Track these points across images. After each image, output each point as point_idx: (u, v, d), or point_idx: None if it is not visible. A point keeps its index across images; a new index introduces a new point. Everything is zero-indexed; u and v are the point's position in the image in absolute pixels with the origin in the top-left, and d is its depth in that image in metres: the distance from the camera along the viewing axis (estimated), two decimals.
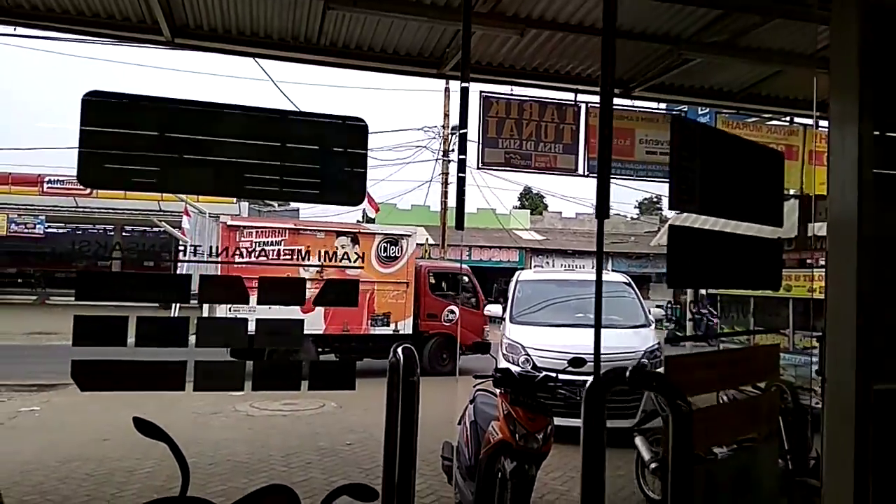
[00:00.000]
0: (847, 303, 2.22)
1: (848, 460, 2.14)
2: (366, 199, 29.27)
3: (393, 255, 14.38)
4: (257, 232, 13.72)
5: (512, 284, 11.02)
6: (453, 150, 23.19)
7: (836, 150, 2.25)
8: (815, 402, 5.70)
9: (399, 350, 2.38)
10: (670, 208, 2.03)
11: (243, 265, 12.99)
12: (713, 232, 2.07)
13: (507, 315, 10.37)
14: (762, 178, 2.13)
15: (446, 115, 23.42)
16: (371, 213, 26.90)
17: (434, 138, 23.70)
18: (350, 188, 1.96)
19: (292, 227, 14.14)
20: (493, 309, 11.53)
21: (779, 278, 2.22)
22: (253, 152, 1.87)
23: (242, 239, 13.44)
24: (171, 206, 21.93)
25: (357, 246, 13.89)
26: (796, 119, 8.95)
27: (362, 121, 1.96)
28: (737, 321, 11.35)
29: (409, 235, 14.94)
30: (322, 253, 13.11)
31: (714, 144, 2.01)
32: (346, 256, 13.30)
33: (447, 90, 23.40)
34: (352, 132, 1.94)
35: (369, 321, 13.78)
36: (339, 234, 13.90)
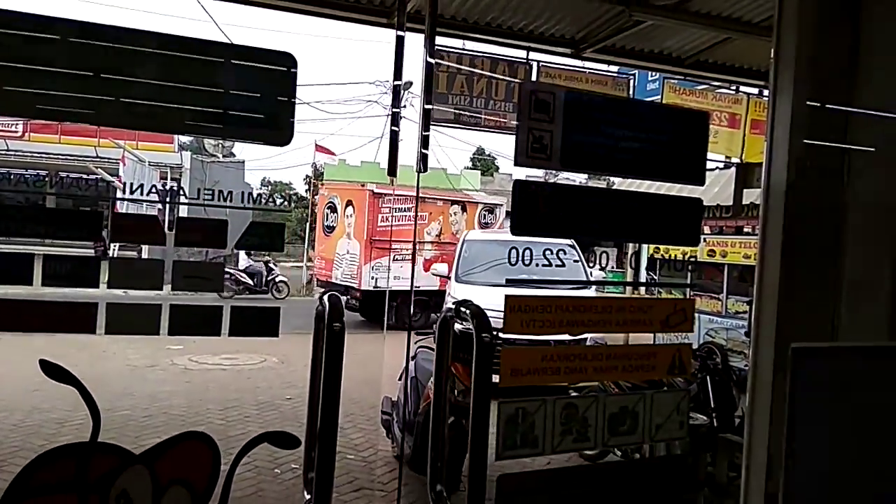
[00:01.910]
0: (773, 267, 2.28)
1: (765, 415, 2.23)
2: (315, 150, 28.63)
3: (489, 222, 17.46)
4: (394, 199, 16.39)
5: (459, 244, 11.06)
6: (405, 107, 22.86)
7: (771, 119, 2.28)
8: (745, 363, 5.95)
9: (325, 298, 2.34)
10: (515, 164, 2.11)
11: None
12: (568, 185, 2.19)
13: (453, 274, 10.43)
14: (671, 138, 2.19)
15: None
16: (322, 163, 26.39)
17: (386, 93, 23.27)
18: (276, 126, 1.88)
19: (421, 196, 16.84)
20: (440, 268, 11.58)
21: (680, 236, 2.29)
22: (168, 84, 1.76)
23: (383, 205, 16.18)
24: (109, 152, 21.04)
25: (465, 213, 17.32)
26: (742, 88, 9.11)
27: (290, 56, 1.87)
28: (672, 284, 11.67)
29: (501, 205, 17.85)
30: (440, 219, 16.31)
31: (581, 105, 2.11)
32: (455, 222, 16.71)
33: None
34: (278, 67, 1.85)
35: None
36: (452, 202, 17.23)
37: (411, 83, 23.36)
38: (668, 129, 2.22)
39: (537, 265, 2.73)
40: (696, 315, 11.17)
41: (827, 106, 3.63)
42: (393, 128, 2.22)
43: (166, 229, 2.06)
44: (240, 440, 2.00)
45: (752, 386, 2.35)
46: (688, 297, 11.44)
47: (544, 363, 2.12)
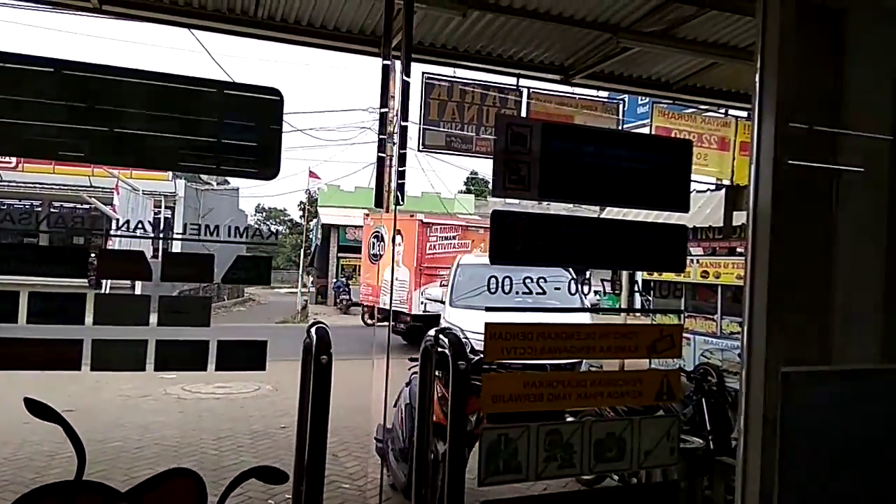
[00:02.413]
0: (761, 290, 2.30)
1: (757, 439, 2.23)
2: (308, 176, 28.76)
3: None
4: (441, 228, 17.51)
5: (453, 268, 11.06)
6: (396, 133, 23.01)
7: (755, 141, 2.31)
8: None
9: (312, 330, 2.33)
10: (493, 195, 2.15)
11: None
12: (546, 214, 2.22)
13: (447, 298, 10.41)
14: (652, 167, 2.23)
15: (392, 97, 23.13)
16: (314, 189, 26.50)
17: (378, 120, 23.41)
18: (264, 160, 1.89)
19: (464, 224, 18.29)
20: (434, 292, 11.57)
21: (664, 262, 2.31)
22: (156, 121, 1.78)
23: (431, 234, 16.97)
24: (103, 182, 21.08)
25: None
26: (731, 112, 9.21)
27: (277, 91, 1.89)
28: (668, 306, 11.69)
29: None
30: (482, 245, 16.41)
31: (559, 136, 2.16)
32: None
33: (392, 72, 23.14)
34: (265, 103, 1.87)
35: None
36: None
37: None
38: (650, 158, 2.25)
39: (531, 291, 2.74)
40: (692, 336, 11.18)
41: (810, 127, 3.68)
42: (380, 154, 2.23)
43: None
44: (233, 470, 1.99)
45: (744, 410, 2.34)
46: (681, 321, 11.49)
47: (526, 389, 2.12)
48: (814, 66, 3.84)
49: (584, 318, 9.10)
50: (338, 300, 28.20)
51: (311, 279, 34.01)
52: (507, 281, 2.53)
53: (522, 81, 7.80)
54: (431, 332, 2.88)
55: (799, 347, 2.73)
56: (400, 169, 2.31)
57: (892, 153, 4.05)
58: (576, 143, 2.18)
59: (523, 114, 7.77)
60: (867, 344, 3.83)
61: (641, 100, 12.67)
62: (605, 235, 2.25)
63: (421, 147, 7.44)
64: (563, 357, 2.16)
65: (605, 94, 8.72)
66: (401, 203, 2.44)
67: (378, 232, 20.50)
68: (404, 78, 2.34)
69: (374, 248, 21.45)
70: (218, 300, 27.50)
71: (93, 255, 1.87)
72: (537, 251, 2.15)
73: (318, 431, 2.18)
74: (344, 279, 29.59)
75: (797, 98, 2.71)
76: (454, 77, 7.61)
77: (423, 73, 7.42)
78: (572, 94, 8.15)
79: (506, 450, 2.05)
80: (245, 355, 1.97)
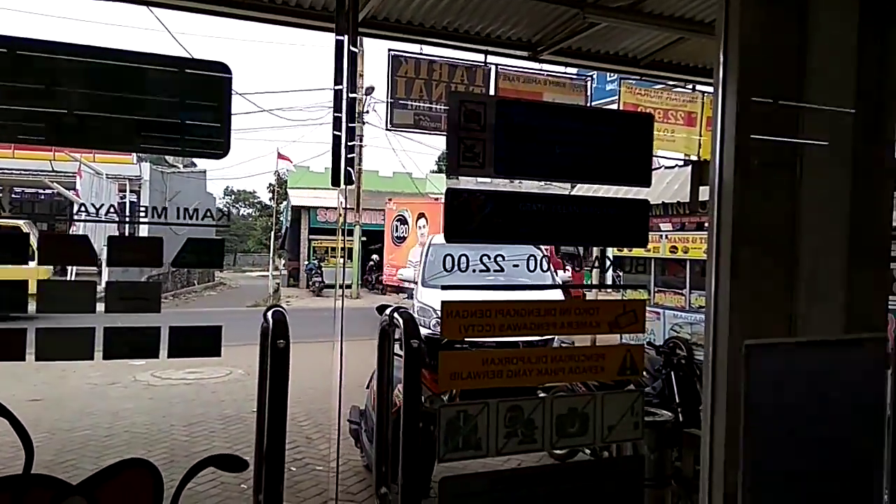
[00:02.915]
0: (724, 264, 2.30)
1: (722, 411, 2.25)
2: (277, 157, 28.28)
3: None
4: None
5: (424, 248, 11.02)
6: (368, 112, 22.78)
7: (717, 116, 2.30)
8: None
9: (269, 314, 2.29)
10: (447, 174, 2.12)
11: None
12: (502, 191, 2.19)
13: (419, 278, 10.39)
14: (612, 141, 2.21)
15: (360, 75, 22.88)
16: (283, 171, 26.19)
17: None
18: (212, 139, 1.82)
19: None
20: (406, 273, 11.53)
21: (625, 237, 2.31)
22: (93, 98, 1.69)
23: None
24: (65, 166, 20.54)
25: None
26: (698, 87, 9.25)
27: (225, 66, 1.81)
28: (638, 281, 11.82)
29: None
30: None
31: (514, 112, 2.12)
32: None
33: (361, 50, 22.83)
34: (212, 78, 1.80)
35: None
36: None
37: (373, 88, 23.37)
38: (609, 133, 2.23)
39: (503, 269, 2.71)
40: (662, 310, 11.33)
41: (773, 102, 3.70)
42: (335, 132, 2.17)
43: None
44: (205, 455, 1.95)
45: (710, 383, 2.36)
46: (645, 296, 11.64)
47: (485, 367, 2.11)
48: (777, 40, 3.85)
49: (557, 294, 9.15)
50: (310, 283, 28.00)
51: (283, 262, 33.72)
52: (483, 258, 2.50)
53: (491, 58, 7.73)
54: (387, 311, 2.86)
55: (763, 320, 2.75)
56: (350, 144, 2.26)
57: (856, 127, 4.10)
58: (532, 119, 2.15)
59: (492, 91, 7.71)
60: (832, 315, 3.91)
61: (610, 76, 12.68)
62: (565, 212, 2.23)
63: (389, 126, 7.35)
64: (523, 334, 2.14)
65: (574, 70, 8.69)
66: (352, 182, 2.39)
67: (401, 215, 21.17)
68: (351, 48, 2.28)
69: (397, 231, 22.29)
70: (188, 284, 27.15)
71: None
72: (493, 228, 2.12)
73: (276, 417, 2.14)
74: (316, 261, 29.36)
75: (760, 73, 2.71)
76: (421, 54, 7.50)
77: (389, 49, 7.30)
78: (541, 70, 8.10)
79: (465, 426, 2.04)
80: (199, 342, 1.91)
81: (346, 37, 2.23)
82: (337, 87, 2.22)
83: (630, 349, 2.27)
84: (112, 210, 2.28)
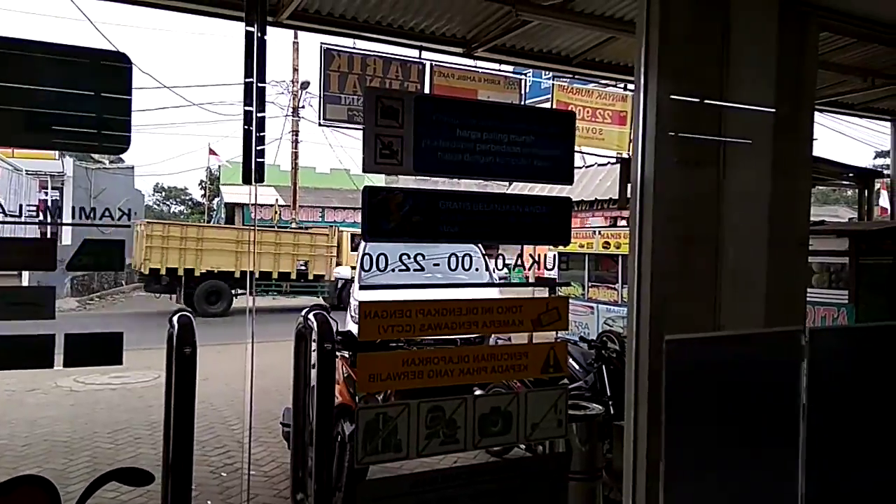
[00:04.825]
0: (646, 260, 2.34)
1: (644, 404, 2.28)
2: (209, 153, 27.49)
3: None
4: None
5: (362, 246, 10.90)
6: (303, 107, 22.41)
7: (639, 113, 2.33)
8: None
9: (175, 319, 2.20)
10: (363, 171, 2.10)
11: None
12: (422, 190, 2.18)
13: (356, 277, 10.27)
14: (533, 139, 2.21)
15: (295, 70, 22.47)
16: (215, 167, 25.45)
17: (282, 93, 22.70)
18: (110, 133, 1.71)
19: None
20: (342, 271, 11.38)
21: (548, 234, 2.31)
22: None
23: None
24: None
25: None
26: (630, 87, 9.46)
27: (124, 56, 1.71)
28: (573, 276, 12.03)
29: None
30: None
31: (432, 109, 2.10)
32: None
33: (295, 43, 22.45)
34: (111, 69, 1.69)
35: None
36: None
37: (308, 83, 22.99)
38: (530, 131, 2.22)
39: (440, 268, 2.68)
40: (595, 305, 11.56)
41: (696, 100, 3.79)
42: (246, 127, 2.08)
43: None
44: (130, 464, 1.85)
45: (633, 377, 2.39)
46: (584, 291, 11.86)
47: (405, 367, 2.08)
48: (699, 40, 3.95)
49: (493, 293, 9.19)
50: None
51: None
52: (417, 259, 2.46)
53: (426, 54, 7.70)
54: (354, 307, 2.80)
55: (684, 315, 2.82)
56: (260, 134, 2.18)
57: (776, 124, 4.26)
58: (451, 116, 2.12)
59: (426, 87, 7.67)
60: (754, 307, 4.04)
61: (545, 75, 12.83)
62: (487, 209, 2.21)
63: (322, 121, 7.22)
64: (444, 333, 2.12)
65: (509, 67, 8.75)
66: (261, 180, 2.31)
67: None
68: (259, 35, 2.20)
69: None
70: (115, 285, 26.12)
71: None
72: (413, 227, 2.09)
73: (182, 427, 2.05)
74: None
75: (681, 71, 2.77)
76: (354, 48, 7.40)
77: (322, 44, 7.17)
78: (476, 67, 8.12)
79: (384, 428, 2.01)
80: (98, 349, 1.80)
81: (256, 27, 2.15)
82: (247, 80, 2.13)
83: (553, 346, 2.28)
84: (34, 209, 2.13)
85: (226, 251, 18.29)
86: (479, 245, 10.89)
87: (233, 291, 18.02)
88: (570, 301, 9.84)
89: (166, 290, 19.04)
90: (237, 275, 18.07)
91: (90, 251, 1.77)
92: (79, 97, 1.69)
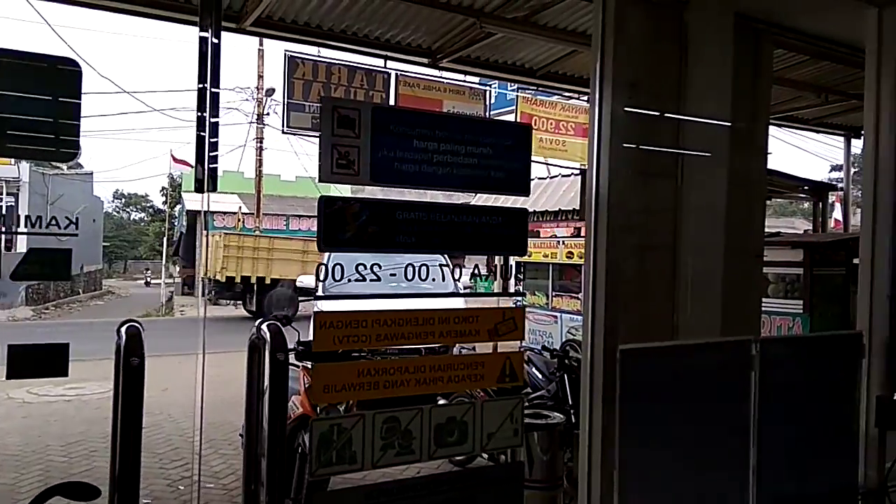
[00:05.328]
0: (600, 270, 2.37)
1: (598, 413, 2.31)
2: (172, 161, 27.13)
3: None
4: None
5: (325, 255, 10.82)
6: (268, 114, 22.22)
7: (594, 125, 2.38)
8: None
9: (122, 329, 2.15)
10: (319, 181, 2.11)
11: None
12: (378, 199, 2.20)
13: (319, 285, 10.20)
14: (490, 151, 2.24)
15: (260, 77, 22.28)
16: (177, 174, 25.00)
17: (247, 100, 22.49)
18: (58, 140, 1.67)
19: None
20: (306, 280, 11.29)
21: (504, 245, 2.34)
22: None
23: None
24: None
25: None
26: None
27: (73, 62, 1.67)
28: (538, 286, 12.12)
29: None
30: None
31: (390, 120, 2.12)
32: None
33: (261, 50, 22.28)
34: (59, 74, 1.66)
35: None
36: None
37: (273, 90, 22.80)
38: (487, 142, 2.24)
39: (403, 278, 2.68)
40: (559, 314, 11.65)
41: (649, 112, 3.87)
42: (199, 133, 2.06)
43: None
44: (84, 477, 1.79)
45: (588, 386, 2.42)
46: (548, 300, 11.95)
47: (361, 378, 2.07)
48: (656, 54, 4.04)
49: (457, 302, 9.19)
50: (206, 291, 26.89)
51: (178, 269, 32.24)
52: (378, 269, 2.45)
53: (391, 64, 7.71)
54: (256, 324, 2.76)
55: (640, 325, 2.86)
56: (213, 140, 2.16)
57: (732, 137, 4.37)
58: (408, 127, 2.13)
59: (391, 96, 7.69)
60: (709, 317, 4.13)
61: (510, 87, 12.95)
62: (444, 220, 2.23)
63: (285, 129, 7.17)
64: (400, 344, 2.12)
65: (475, 79, 8.81)
66: (214, 188, 2.29)
67: None
68: (213, 40, 2.18)
69: None
70: (72, 293, 25.47)
71: None
72: (369, 237, 2.10)
73: (129, 441, 2.00)
74: None
75: (638, 84, 2.82)
76: (320, 57, 7.37)
77: (286, 51, 7.13)
78: (441, 78, 8.16)
79: (339, 439, 1.99)
80: (43, 360, 1.74)
81: (210, 32, 2.13)
82: (201, 86, 2.11)
83: (510, 356, 2.29)
84: None
85: (293, 260, 19.57)
86: (446, 255, 10.90)
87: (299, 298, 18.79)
88: (535, 311, 9.98)
89: (238, 297, 20.76)
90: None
91: (35, 260, 1.72)
92: (25, 103, 1.64)
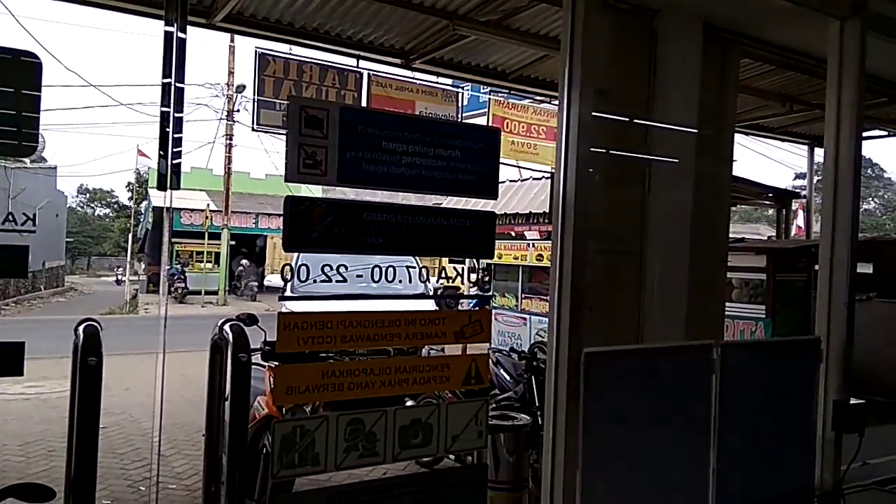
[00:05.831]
0: (566, 274, 2.40)
1: (562, 413, 2.33)
2: (138, 154, 26.66)
3: None
4: None
5: (294, 254, 10.74)
6: (238, 111, 21.97)
7: (562, 129, 2.40)
8: None
9: (80, 328, 2.11)
10: (286, 181, 2.11)
11: None
12: (346, 200, 2.20)
13: (288, 285, 10.10)
14: (458, 153, 2.26)
15: (231, 73, 22.02)
16: (144, 169, 24.62)
17: (217, 96, 22.21)
18: (16, 134, 1.63)
19: None
20: (274, 279, 11.18)
21: (472, 248, 2.35)
22: None
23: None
24: None
25: None
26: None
27: (32, 54, 1.63)
28: (508, 288, 12.19)
29: None
30: None
31: (359, 121, 2.13)
32: None
33: (231, 46, 22.03)
34: (15, 67, 1.62)
35: None
36: None
37: (244, 86, 22.56)
38: (455, 145, 2.25)
39: (370, 280, 2.67)
40: (528, 316, 11.73)
41: (616, 118, 3.92)
42: (164, 128, 2.04)
43: None
44: (42, 478, 1.75)
45: (553, 389, 2.44)
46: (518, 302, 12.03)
47: (325, 379, 2.06)
48: (625, 60, 4.09)
49: (429, 305, 9.19)
50: (172, 288, 26.47)
51: (143, 266, 31.69)
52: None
53: (363, 63, 7.67)
54: (218, 325, 2.73)
55: (606, 328, 2.90)
56: (176, 136, 2.13)
57: (698, 144, 4.45)
58: (376, 128, 2.13)
59: (363, 96, 7.66)
60: (674, 321, 4.19)
61: (483, 89, 13.00)
62: (411, 222, 2.23)
63: (255, 126, 7.10)
64: (366, 345, 2.12)
65: (448, 81, 8.82)
66: (178, 186, 2.26)
67: None
68: (179, 34, 2.16)
69: None
70: (33, 290, 24.87)
71: None
72: (335, 238, 2.09)
73: (85, 442, 1.97)
74: (179, 266, 27.75)
75: (605, 90, 2.86)
76: (291, 54, 7.31)
77: (257, 48, 7.06)
78: (414, 79, 8.15)
79: (301, 441, 1.98)
80: None
81: (175, 27, 2.10)
82: (165, 80, 2.08)
83: (475, 358, 2.30)
84: None
85: None
86: (417, 257, 10.89)
87: None
88: (504, 312, 9.99)
89: None
90: None
91: None
92: None
